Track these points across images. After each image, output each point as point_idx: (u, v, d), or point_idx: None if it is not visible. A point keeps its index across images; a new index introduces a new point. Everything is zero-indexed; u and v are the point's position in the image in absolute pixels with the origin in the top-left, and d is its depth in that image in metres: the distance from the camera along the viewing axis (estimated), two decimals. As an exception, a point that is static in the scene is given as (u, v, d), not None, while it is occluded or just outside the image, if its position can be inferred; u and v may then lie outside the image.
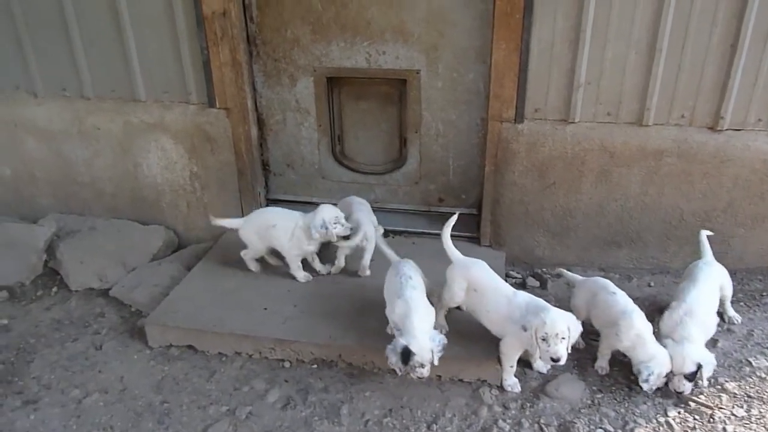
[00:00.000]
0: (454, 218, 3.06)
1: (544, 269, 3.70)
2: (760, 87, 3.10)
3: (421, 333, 2.62)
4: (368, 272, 3.49)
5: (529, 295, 2.77)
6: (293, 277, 3.46)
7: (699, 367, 2.64)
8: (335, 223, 3.25)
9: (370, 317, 3.13)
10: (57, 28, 3.68)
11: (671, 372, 2.70)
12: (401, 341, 2.60)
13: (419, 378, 2.67)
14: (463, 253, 3.66)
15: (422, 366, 2.60)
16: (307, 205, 4.20)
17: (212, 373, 3.03)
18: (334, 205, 3.41)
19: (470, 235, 3.85)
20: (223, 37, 3.55)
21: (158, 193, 4.05)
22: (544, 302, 2.68)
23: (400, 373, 2.71)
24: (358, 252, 3.47)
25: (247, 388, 2.94)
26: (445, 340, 2.68)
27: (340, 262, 3.51)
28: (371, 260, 3.48)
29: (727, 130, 3.22)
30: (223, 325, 3.11)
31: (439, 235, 3.82)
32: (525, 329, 2.59)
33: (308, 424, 2.72)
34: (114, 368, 3.10)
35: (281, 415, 2.78)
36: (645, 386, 2.69)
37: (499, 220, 3.67)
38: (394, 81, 3.77)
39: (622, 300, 2.85)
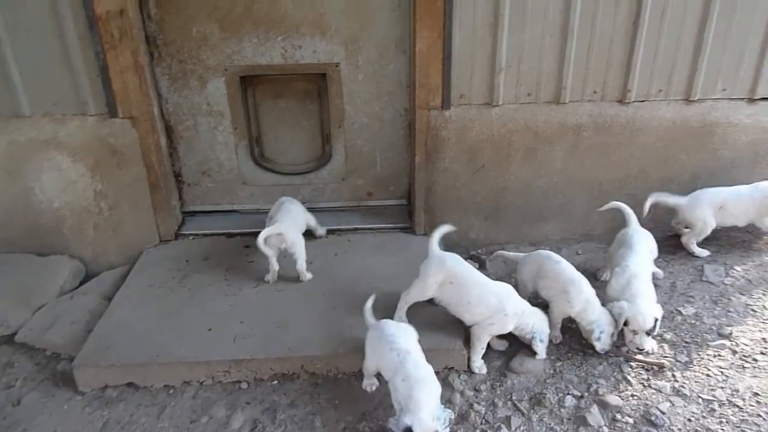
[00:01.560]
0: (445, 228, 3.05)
1: (479, 250, 3.79)
2: (659, 59, 3.38)
3: (427, 412, 2.33)
4: (309, 275, 3.35)
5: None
6: (234, 293, 3.25)
7: (656, 320, 2.83)
8: None
9: (324, 322, 3.02)
10: None
11: (633, 332, 2.83)
12: (404, 420, 2.30)
13: None
14: (400, 245, 3.69)
15: None
16: (228, 214, 3.99)
17: (162, 409, 2.75)
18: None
19: (403, 225, 3.84)
20: (122, 38, 3.20)
21: (57, 219, 3.59)
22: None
23: None
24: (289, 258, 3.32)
25: (206, 418, 2.70)
26: (452, 416, 2.44)
27: (274, 265, 3.30)
28: (308, 263, 3.35)
29: (634, 102, 3.48)
30: (169, 353, 2.83)
31: (373, 228, 3.83)
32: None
33: (282, 444, 2.57)
34: (42, 423, 2.70)
35: (251, 440, 2.60)
36: (598, 345, 2.86)
37: (432, 208, 3.69)
38: (312, 76, 3.64)
39: (568, 268, 2.99)
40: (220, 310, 3.13)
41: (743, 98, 3.52)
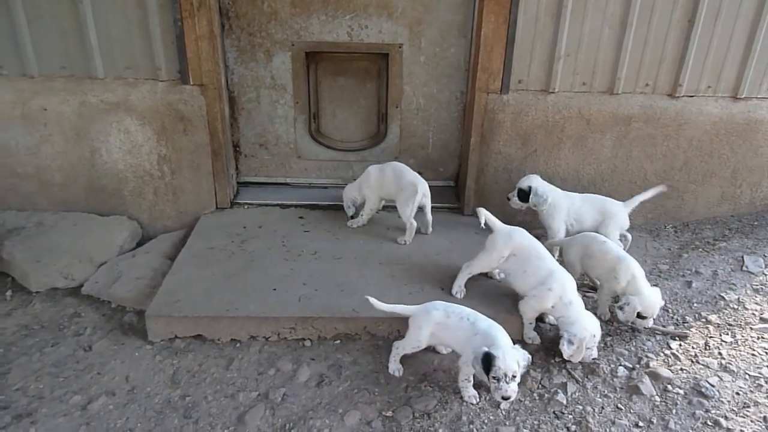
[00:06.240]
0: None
1: (524, 234, 3.92)
2: (710, 57, 3.54)
3: (508, 345, 2.49)
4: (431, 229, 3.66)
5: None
6: (293, 258, 3.38)
7: None
8: None
9: (384, 287, 3.14)
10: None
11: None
12: (482, 348, 2.43)
13: (504, 399, 2.44)
14: (449, 223, 3.80)
15: (506, 377, 2.38)
16: (280, 187, 4.11)
17: (230, 361, 2.86)
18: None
19: (451, 206, 3.97)
20: (201, 7, 3.33)
21: (119, 181, 3.70)
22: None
23: (476, 402, 2.62)
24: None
25: (273, 371, 2.82)
26: (529, 357, 2.51)
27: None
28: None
29: (683, 96, 3.63)
30: (237, 309, 2.95)
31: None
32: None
33: (349, 398, 2.67)
34: (115, 368, 2.81)
35: (318, 392, 2.70)
36: (619, 313, 2.99)
37: (483, 189, 3.82)
38: (373, 56, 3.77)
39: (614, 247, 3.12)
40: (281, 272, 3.25)
41: (787, 98, 3.69)
